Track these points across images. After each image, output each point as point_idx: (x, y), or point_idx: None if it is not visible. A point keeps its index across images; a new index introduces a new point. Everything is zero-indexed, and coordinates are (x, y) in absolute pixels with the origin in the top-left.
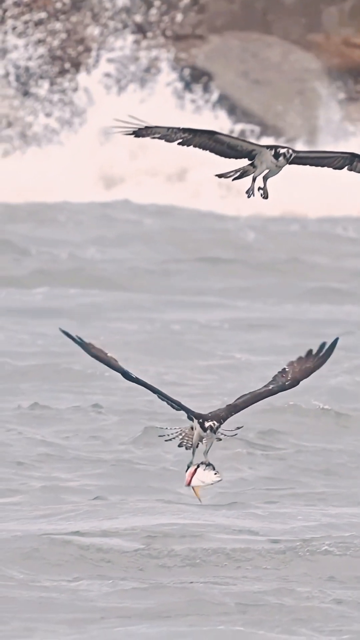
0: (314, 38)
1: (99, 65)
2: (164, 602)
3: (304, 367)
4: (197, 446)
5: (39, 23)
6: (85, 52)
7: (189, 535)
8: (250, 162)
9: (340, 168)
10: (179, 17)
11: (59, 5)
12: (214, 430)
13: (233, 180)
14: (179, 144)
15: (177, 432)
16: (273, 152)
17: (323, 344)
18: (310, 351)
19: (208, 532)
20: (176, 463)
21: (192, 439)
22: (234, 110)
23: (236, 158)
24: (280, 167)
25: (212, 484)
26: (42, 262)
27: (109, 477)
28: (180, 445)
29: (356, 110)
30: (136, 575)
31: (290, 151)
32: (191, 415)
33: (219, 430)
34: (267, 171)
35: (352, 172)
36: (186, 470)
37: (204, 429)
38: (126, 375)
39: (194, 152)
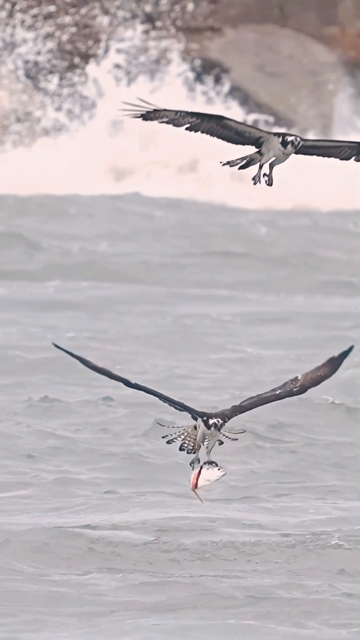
0: (330, 31)
1: (109, 55)
2: (174, 595)
3: (315, 375)
4: (199, 446)
5: (48, 17)
6: (95, 44)
7: (199, 528)
8: (257, 149)
9: (348, 158)
10: (190, 6)
11: None
12: (218, 427)
13: (239, 168)
14: (186, 128)
15: (179, 432)
16: (281, 139)
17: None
18: (332, 358)
19: (218, 525)
20: (187, 457)
21: (193, 439)
22: (246, 101)
23: (243, 145)
24: (287, 155)
25: (217, 480)
26: (53, 256)
27: (119, 470)
28: (181, 449)
29: None
30: (146, 569)
31: (298, 139)
32: (195, 414)
33: (222, 430)
34: (273, 159)
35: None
36: (192, 468)
37: (208, 427)
38: (127, 383)
39: (204, 143)
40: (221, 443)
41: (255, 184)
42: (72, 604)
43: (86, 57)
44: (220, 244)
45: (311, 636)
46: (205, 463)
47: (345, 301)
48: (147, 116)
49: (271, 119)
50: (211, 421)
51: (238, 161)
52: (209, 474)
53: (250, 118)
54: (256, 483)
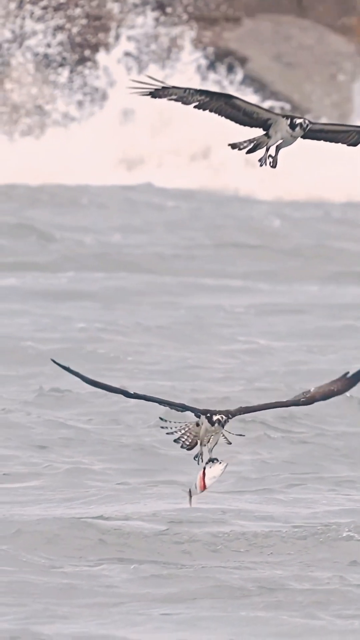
0: (347, 21)
1: (119, 43)
2: (185, 586)
3: (327, 389)
4: (201, 443)
5: (58, 8)
6: (105, 32)
7: (211, 520)
8: (264, 132)
9: (355, 144)
10: None
11: None
12: (222, 423)
13: (247, 152)
14: (195, 106)
15: (180, 427)
16: (289, 121)
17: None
18: (345, 375)
19: (229, 517)
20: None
21: (194, 435)
22: (261, 89)
23: (251, 126)
24: (295, 138)
25: (222, 473)
26: (66, 248)
27: (131, 461)
28: (176, 441)
29: None
30: (157, 560)
31: (307, 121)
32: (198, 413)
33: (225, 428)
34: (281, 141)
35: None
36: (196, 461)
37: (212, 423)
38: (126, 393)
39: (216, 130)
40: (229, 442)
41: (261, 165)
42: (84, 595)
43: (96, 47)
44: (234, 235)
45: (322, 627)
46: (207, 463)
47: (359, 292)
48: (156, 94)
49: (287, 106)
50: (215, 417)
51: (245, 144)
52: (213, 471)
53: (265, 106)
54: (268, 474)
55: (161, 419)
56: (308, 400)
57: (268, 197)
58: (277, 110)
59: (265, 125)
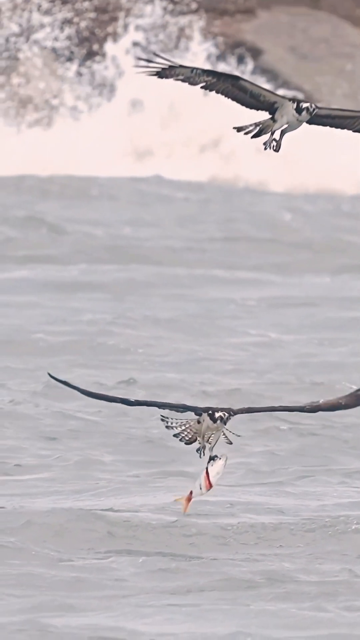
0: None
1: (127, 33)
2: (194, 579)
3: (335, 402)
4: (202, 440)
5: (65, 1)
6: (113, 22)
7: (220, 512)
8: (270, 116)
9: None
10: None
11: None
12: (224, 420)
13: (252, 137)
14: (202, 87)
15: (181, 423)
16: (295, 105)
17: None
18: (357, 391)
19: (238, 509)
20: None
21: (194, 432)
22: (271, 80)
23: (257, 109)
24: (301, 122)
25: (224, 467)
26: (77, 240)
27: (140, 453)
28: (175, 436)
29: None
30: (166, 553)
31: (314, 105)
32: (199, 411)
33: (227, 425)
34: (286, 126)
35: None
36: (199, 455)
37: (214, 420)
38: (126, 402)
39: (226, 121)
40: (230, 442)
41: (265, 149)
42: (92, 588)
43: (104, 38)
44: (245, 229)
45: (330, 620)
46: (208, 462)
47: None
48: (163, 74)
49: (300, 96)
50: (217, 414)
51: (251, 127)
52: (216, 468)
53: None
54: (276, 466)
55: (162, 416)
56: (313, 408)
57: (279, 189)
58: None
59: (271, 108)
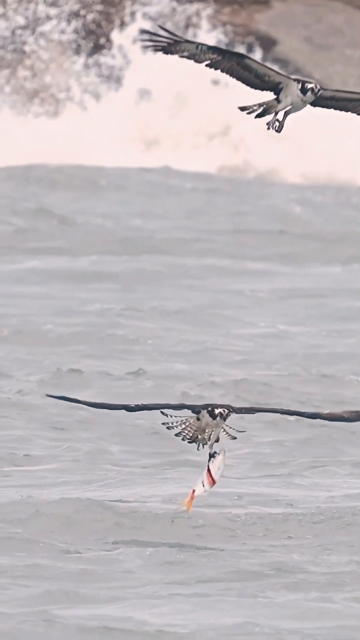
0: None
1: (135, 21)
2: (202, 570)
3: (337, 413)
4: (202, 437)
5: None
6: (120, 11)
7: (228, 504)
8: (275, 96)
9: None
10: None
11: None
12: (224, 417)
13: (256, 117)
14: (207, 65)
15: (181, 421)
16: (300, 85)
17: None
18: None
19: (247, 500)
20: None
21: (194, 429)
22: (282, 69)
23: (262, 90)
24: (305, 103)
25: (224, 461)
26: (87, 232)
27: (148, 444)
28: (177, 435)
29: None
30: (174, 544)
31: (318, 86)
32: (198, 409)
33: (227, 422)
34: (290, 106)
35: None
36: (197, 448)
37: (214, 417)
38: (127, 408)
39: (235, 109)
40: (233, 438)
41: (268, 129)
42: (101, 579)
43: (111, 28)
44: (254, 221)
45: (338, 611)
46: (209, 460)
47: None
48: (168, 49)
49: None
50: (217, 411)
51: (255, 107)
52: (216, 464)
53: None
54: (285, 458)
55: (162, 413)
56: (312, 415)
57: (288, 177)
58: None
59: (276, 88)
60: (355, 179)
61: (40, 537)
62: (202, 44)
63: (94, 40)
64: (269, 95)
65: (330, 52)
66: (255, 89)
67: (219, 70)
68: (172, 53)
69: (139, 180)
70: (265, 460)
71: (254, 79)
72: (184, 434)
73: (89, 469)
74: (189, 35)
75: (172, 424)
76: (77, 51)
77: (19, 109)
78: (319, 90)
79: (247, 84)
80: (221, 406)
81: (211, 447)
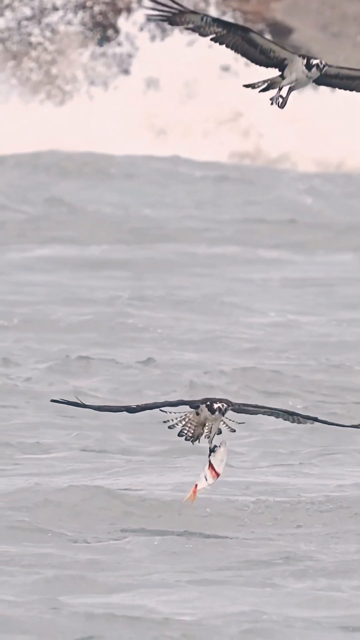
0: None
1: (142, 7)
2: (210, 559)
3: (336, 421)
4: (201, 433)
5: None
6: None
7: (236, 493)
8: (279, 72)
9: None
10: None
11: None
12: (222, 411)
13: (260, 91)
14: (212, 39)
15: (180, 417)
16: (305, 61)
17: None
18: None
19: (255, 490)
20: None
21: (194, 425)
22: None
23: (267, 66)
24: (310, 79)
25: (225, 452)
26: (98, 221)
27: (157, 432)
28: (180, 435)
29: None
30: (182, 532)
31: (324, 62)
32: (197, 404)
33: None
34: (295, 82)
35: None
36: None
37: (213, 411)
38: (129, 410)
39: (243, 97)
40: (233, 430)
41: (272, 104)
42: (108, 567)
43: (118, 14)
44: (264, 212)
45: (346, 600)
46: (210, 455)
47: None
48: (173, 20)
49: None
50: (215, 405)
51: (260, 84)
52: (218, 456)
53: None
54: (293, 447)
55: (162, 411)
56: (313, 418)
57: (298, 165)
58: None
59: (281, 65)
60: None
61: (48, 525)
62: (208, 16)
63: (101, 32)
64: (274, 73)
65: (345, 40)
66: (261, 65)
67: (224, 45)
68: (177, 24)
69: (149, 169)
70: (274, 449)
71: (259, 55)
72: (185, 432)
73: (98, 457)
74: None
75: (173, 420)
76: (84, 43)
77: (27, 97)
78: (324, 67)
79: (252, 60)
80: (220, 400)
81: (211, 441)
